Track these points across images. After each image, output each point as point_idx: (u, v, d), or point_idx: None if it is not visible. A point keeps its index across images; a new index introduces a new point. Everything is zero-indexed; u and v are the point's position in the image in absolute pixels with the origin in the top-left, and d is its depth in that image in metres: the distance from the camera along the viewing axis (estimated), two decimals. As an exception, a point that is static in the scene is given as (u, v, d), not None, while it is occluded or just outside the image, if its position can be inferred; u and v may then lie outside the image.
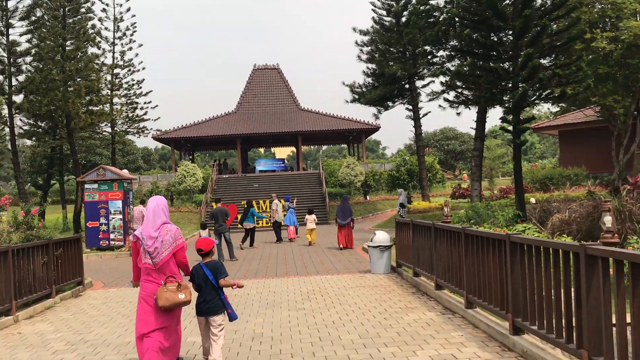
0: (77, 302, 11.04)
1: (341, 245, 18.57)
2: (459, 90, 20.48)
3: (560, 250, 5.39)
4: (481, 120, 21.42)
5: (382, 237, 12.70)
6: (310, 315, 8.51)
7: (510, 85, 16.00)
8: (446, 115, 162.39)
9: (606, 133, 30.32)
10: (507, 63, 16.13)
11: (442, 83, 22.48)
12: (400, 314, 8.27)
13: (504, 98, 16.30)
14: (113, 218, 20.90)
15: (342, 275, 12.77)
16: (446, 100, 19.59)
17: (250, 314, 8.84)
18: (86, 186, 21.01)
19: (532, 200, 27.58)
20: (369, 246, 12.84)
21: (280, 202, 25.00)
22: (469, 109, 22.49)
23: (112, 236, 20.89)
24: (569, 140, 34.88)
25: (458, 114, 22.12)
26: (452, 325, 7.45)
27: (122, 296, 11.45)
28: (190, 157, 49.28)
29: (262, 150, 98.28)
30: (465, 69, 16.16)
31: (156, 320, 5.47)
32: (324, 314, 8.58)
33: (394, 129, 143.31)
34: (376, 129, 43.32)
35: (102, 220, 20.89)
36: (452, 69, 20.32)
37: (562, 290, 5.32)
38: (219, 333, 5.76)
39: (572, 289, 5.13)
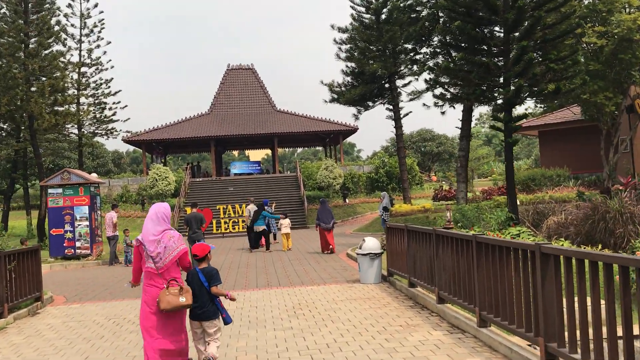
0: (33, 321, 9.79)
1: (330, 249, 17.99)
2: (445, 88, 19.72)
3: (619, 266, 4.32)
4: (467, 119, 20.65)
5: (372, 243, 11.73)
6: (299, 337, 7.46)
7: (501, 81, 15.21)
8: (423, 117, 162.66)
9: (589, 132, 29.98)
10: (498, 58, 15.33)
11: (426, 81, 21.72)
12: (403, 334, 7.27)
13: (495, 95, 15.49)
14: (79, 225, 19.53)
15: (329, 285, 11.75)
16: (435, 96, 18.78)
17: (230, 335, 7.75)
18: (50, 191, 19.60)
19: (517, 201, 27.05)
20: (358, 254, 11.85)
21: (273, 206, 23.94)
22: (454, 107, 21.76)
23: (78, 244, 19.51)
24: (548, 140, 34.50)
25: (443, 112, 21.26)
26: (466, 348, 6.48)
27: (85, 314, 10.23)
28: (163, 160, 47.74)
29: (236, 153, 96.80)
30: (453, 64, 15.29)
31: (158, 323, 5.59)
32: (316, 334, 7.54)
33: (369, 132, 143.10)
34: (354, 130, 42.47)
35: (67, 227, 19.50)
36: (439, 64, 19.54)
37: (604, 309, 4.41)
38: (214, 336, 5.84)
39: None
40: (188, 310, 5.79)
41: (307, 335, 7.53)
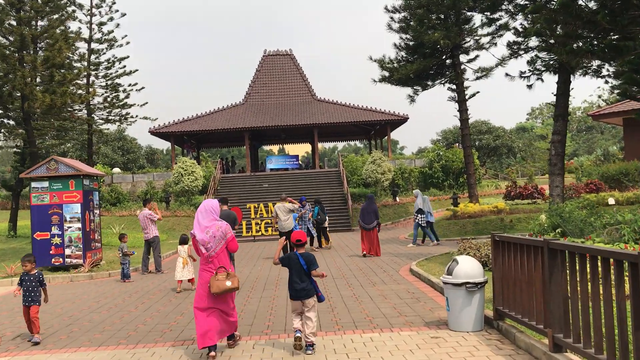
0: None
1: (364, 253, 15.94)
2: (544, 47, 14.93)
3: None
4: (564, 92, 15.76)
5: (470, 266, 7.19)
6: None
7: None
8: (477, 108, 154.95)
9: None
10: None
11: (509, 44, 16.89)
12: None
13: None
14: (69, 228, 15.59)
15: (397, 332, 7.30)
16: (528, 64, 13.97)
17: None
18: (33, 185, 15.72)
19: (611, 200, 21.86)
20: (446, 283, 7.31)
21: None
22: (542, 80, 16.89)
23: (67, 252, 15.58)
24: (636, 129, 29.10)
25: (530, 86, 16.35)
26: None
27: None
28: (195, 154, 44.04)
29: (275, 150, 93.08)
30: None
31: (208, 303, 6.43)
32: None
33: (412, 128, 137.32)
34: (404, 120, 37.70)
35: (55, 230, 15.59)
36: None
37: None
38: (312, 312, 6.55)
39: None
40: (290, 290, 6.56)
41: None
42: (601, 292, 4.75)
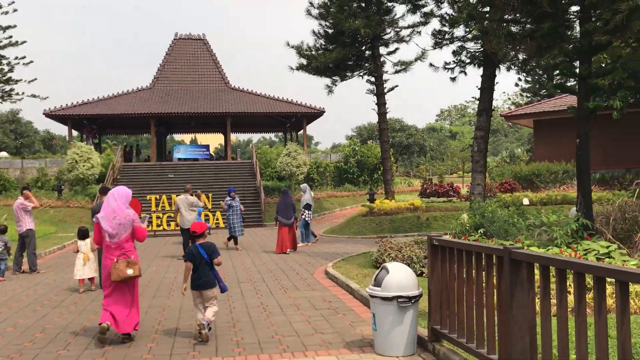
0: None
1: (289, 250, 15.20)
2: (462, 45, 14.15)
3: None
4: (488, 86, 15.06)
5: (403, 277, 5.91)
6: None
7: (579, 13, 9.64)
8: (391, 107, 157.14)
9: (600, 123, 25.20)
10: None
11: (434, 34, 15.99)
12: None
13: (567, 35, 9.89)
14: None
15: (314, 356, 5.90)
16: (453, 55, 13.05)
17: None
18: None
19: (525, 201, 21.73)
20: (374, 296, 5.98)
21: (202, 197, 17.75)
22: (465, 73, 16.15)
23: None
24: (545, 131, 29.63)
25: (453, 79, 15.47)
26: None
27: None
28: (96, 141, 40.61)
29: (187, 140, 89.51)
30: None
31: (112, 292, 6.49)
32: None
33: (327, 123, 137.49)
34: (320, 113, 36.56)
35: None
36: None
37: None
38: (213, 302, 6.61)
39: None
40: (189, 280, 6.58)
41: None
42: (592, 320, 3.57)
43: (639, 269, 3.20)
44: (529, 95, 42.99)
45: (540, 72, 33.84)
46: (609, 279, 4.05)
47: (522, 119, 31.54)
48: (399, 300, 5.79)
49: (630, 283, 3.24)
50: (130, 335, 6.59)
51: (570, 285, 5.92)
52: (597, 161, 25.85)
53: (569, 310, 4.11)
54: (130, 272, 6.38)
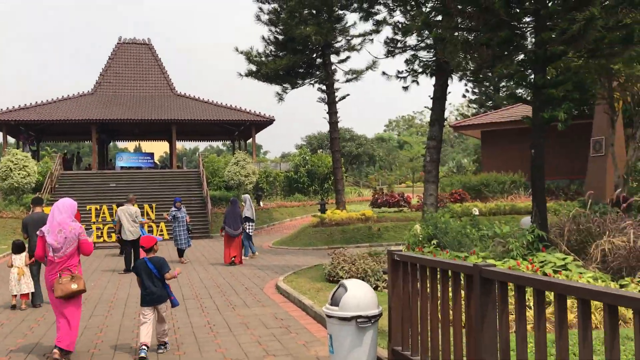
0: None
1: (233, 261, 14.82)
2: (415, 55, 14.02)
3: None
4: (441, 96, 14.96)
5: (363, 295, 5.49)
6: None
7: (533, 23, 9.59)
8: (342, 116, 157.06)
9: (545, 135, 25.73)
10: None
11: (387, 42, 15.80)
12: None
13: (526, 43, 9.83)
14: None
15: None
16: (406, 64, 12.86)
17: None
18: None
19: (475, 211, 21.82)
20: (330, 316, 5.53)
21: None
22: (417, 83, 16.04)
23: None
24: (492, 142, 30.14)
25: (405, 88, 15.35)
26: None
27: None
28: (33, 148, 38.66)
29: (131, 148, 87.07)
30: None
31: (56, 307, 6.26)
32: None
33: (275, 135, 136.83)
34: (270, 121, 36.00)
35: None
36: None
37: None
38: (164, 316, 6.49)
39: None
40: (142, 296, 6.42)
41: None
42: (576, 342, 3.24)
43: (632, 292, 2.88)
44: (475, 106, 43.83)
45: (495, 81, 34.46)
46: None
47: (470, 129, 32.00)
48: (358, 320, 5.37)
49: (623, 307, 2.92)
50: (67, 352, 6.31)
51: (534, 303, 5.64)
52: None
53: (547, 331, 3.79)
54: (74, 287, 6.16)
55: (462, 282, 4.44)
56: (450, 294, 4.61)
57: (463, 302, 4.43)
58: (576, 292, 3.15)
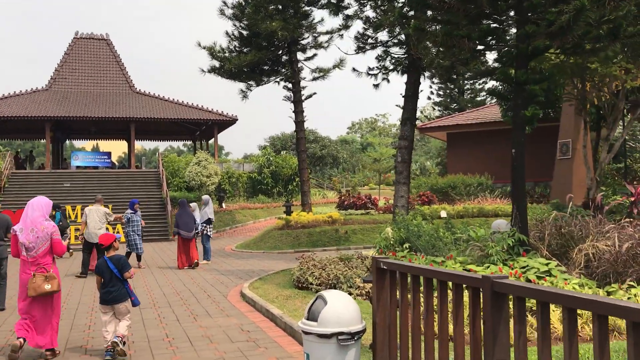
0: None
1: (189, 265, 14.32)
2: (386, 51, 13.49)
3: None
4: (413, 94, 14.47)
5: (344, 308, 4.84)
6: None
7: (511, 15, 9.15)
8: (308, 116, 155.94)
9: (510, 137, 25.73)
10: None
11: (357, 37, 15.22)
12: None
13: (507, 37, 9.37)
14: None
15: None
16: (377, 60, 12.32)
17: None
18: None
19: (443, 213, 21.50)
20: (308, 333, 4.85)
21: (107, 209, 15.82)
22: (388, 81, 15.52)
23: None
24: (458, 144, 30.02)
25: (376, 85, 14.79)
26: None
27: None
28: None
29: (88, 147, 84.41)
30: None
31: (29, 308, 6.13)
32: None
33: (237, 135, 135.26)
34: (233, 121, 35.09)
35: None
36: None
37: None
38: (125, 316, 6.35)
39: None
40: (101, 295, 6.30)
41: None
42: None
43: None
44: (440, 109, 43.84)
45: (461, 83, 34.37)
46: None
47: (436, 131, 31.79)
48: (340, 337, 4.71)
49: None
50: (54, 350, 6.30)
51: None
52: (506, 174, 26.39)
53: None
54: (48, 287, 6.10)
55: (468, 294, 3.84)
56: (450, 311, 3.99)
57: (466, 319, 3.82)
58: (626, 313, 2.56)
